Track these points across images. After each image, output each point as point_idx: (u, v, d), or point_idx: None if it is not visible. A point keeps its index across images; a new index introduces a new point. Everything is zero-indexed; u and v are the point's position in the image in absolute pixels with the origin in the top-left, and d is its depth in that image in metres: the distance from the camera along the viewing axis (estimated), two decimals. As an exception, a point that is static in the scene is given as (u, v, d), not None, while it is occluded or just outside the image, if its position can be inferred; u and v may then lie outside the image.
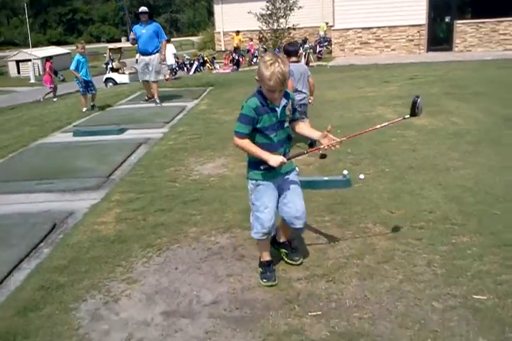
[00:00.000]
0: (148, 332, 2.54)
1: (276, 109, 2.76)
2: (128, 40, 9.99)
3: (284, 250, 3.14)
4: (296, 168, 3.07)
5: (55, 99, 15.45)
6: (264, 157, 2.73)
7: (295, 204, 2.90)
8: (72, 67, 9.51)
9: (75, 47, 10.07)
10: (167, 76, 17.58)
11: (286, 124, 2.85)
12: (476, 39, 18.84)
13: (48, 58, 16.98)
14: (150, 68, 9.51)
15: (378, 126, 3.01)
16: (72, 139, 7.21)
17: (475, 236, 3.33)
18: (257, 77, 2.70)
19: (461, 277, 2.84)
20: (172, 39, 21.14)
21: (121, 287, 2.98)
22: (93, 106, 9.72)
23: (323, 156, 5.43)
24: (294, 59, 6.15)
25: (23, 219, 4.09)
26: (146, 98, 10.06)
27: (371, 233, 3.50)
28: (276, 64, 2.58)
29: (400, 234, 3.44)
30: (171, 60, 17.72)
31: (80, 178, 5.14)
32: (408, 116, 2.89)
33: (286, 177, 2.91)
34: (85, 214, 4.19)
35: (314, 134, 2.92)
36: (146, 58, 9.50)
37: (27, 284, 3.05)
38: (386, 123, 3.00)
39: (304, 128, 2.99)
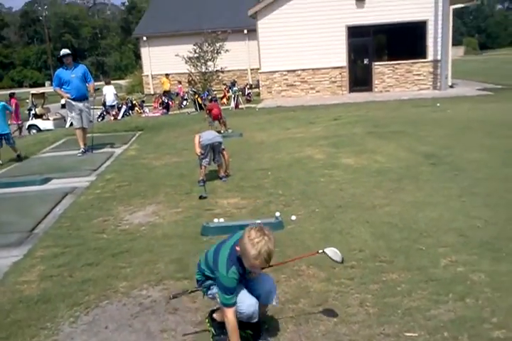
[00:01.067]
0: None
1: (246, 276, 2.67)
2: (54, 85, 9.17)
3: (249, 331, 2.77)
4: None
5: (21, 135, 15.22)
6: None
7: (266, 280, 2.77)
8: None
9: None
10: (111, 117, 18.12)
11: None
12: (394, 80, 20.12)
13: (11, 94, 16.82)
14: (84, 114, 9.19)
15: (296, 258, 3.34)
16: (-8, 192, 6.82)
17: (403, 273, 3.45)
18: (238, 248, 2.52)
19: (392, 315, 2.91)
20: (99, 83, 21.13)
21: (46, 352, 2.78)
22: (19, 157, 9.02)
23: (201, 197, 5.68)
24: None
25: None
26: (83, 150, 9.26)
27: (305, 275, 3.53)
28: (263, 242, 2.42)
29: (333, 275, 3.49)
30: (112, 101, 18.65)
31: (0, 234, 4.83)
32: (321, 251, 2.94)
33: None
34: (6, 273, 3.93)
35: None
36: (80, 104, 9.11)
37: None
38: (303, 256, 3.30)
39: None
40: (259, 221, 4.58)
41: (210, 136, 6.40)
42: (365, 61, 20.47)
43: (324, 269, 3.60)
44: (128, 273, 3.75)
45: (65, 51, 9.12)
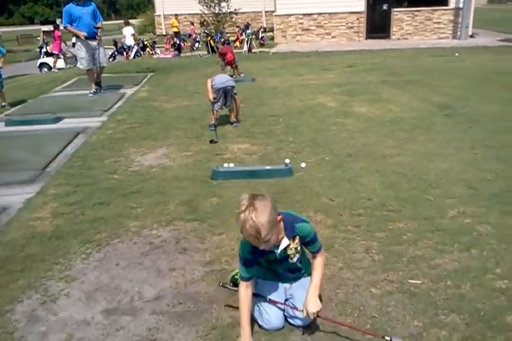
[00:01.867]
0: (89, 331, 2.48)
1: (275, 250, 2.32)
2: (65, 23, 8.71)
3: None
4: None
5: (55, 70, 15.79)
6: (241, 332, 2.30)
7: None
8: None
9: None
10: (125, 56, 18.63)
11: (294, 260, 2.42)
12: (412, 27, 19.39)
13: (56, 26, 17.31)
14: (98, 53, 8.86)
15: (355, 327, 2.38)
16: (4, 129, 6.85)
17: (410, 222, 3.47)
18: None
19: (397, 262, 2.96)
20: (110, 22, 20.85)
21: (60, 285, 2.89)
22: (4, 106, 8.38)
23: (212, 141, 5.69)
24: None
25: (-49, 216, 3.87)
26: (95, 90, 9.15)
27: (312, 221, 3.53)
28: (247, 212, 2.05)
29: (340, 222, 3.53)
30: (130, 41, 19.01)
31: (13, 171, 4.91)
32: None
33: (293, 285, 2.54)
34: (19, 209, 4.02)
35: (311, 289, 2.38)
36: (93, 43, 8.77)
37: (-44, 287, 2.90)
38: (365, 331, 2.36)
39: (314, 269, 2.44)
40: (268, 167, 4.61)
41: (222, 79, 6.28)
42: (384, 6, 19.63)
43: (331, 216, 3.64)
44: (139, 213, 3.82)
45: None
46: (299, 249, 2.41)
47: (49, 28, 21.09)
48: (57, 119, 7.10)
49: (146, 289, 2.82)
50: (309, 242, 2.39)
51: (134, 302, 2.70)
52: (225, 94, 6.23)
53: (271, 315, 2.42)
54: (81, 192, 4.28)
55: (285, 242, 2.31)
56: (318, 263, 2.44)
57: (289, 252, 2.38)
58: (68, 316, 2.60)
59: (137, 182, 4.48)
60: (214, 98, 6.19)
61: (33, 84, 11.21)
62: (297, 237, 2.36)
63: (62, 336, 2.45)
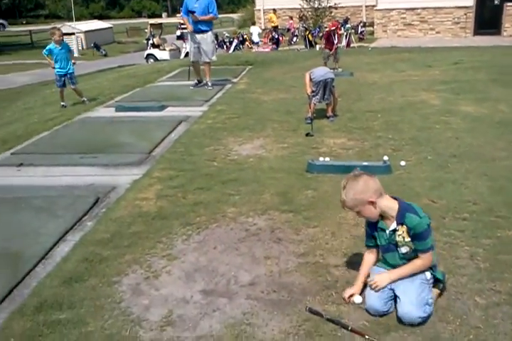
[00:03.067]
0: (187, 309, 2.58)
1: (386, 230, 2.50)
2: (182, 14, 8.70)
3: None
4: (426, 274, 2.51)
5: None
6: (358, 280, 2.60)
7: (402, 301, 2.41)
8: (43, 52, 8.14)
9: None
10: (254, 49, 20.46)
11: (402, 251, 2.48)
12: (527, 23, 18.05)
13: None
14: (203, 48, 8.71)
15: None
16: (115, 114, 7.30)
17: (521, 231, 3.24)
18: None
19: (506, 272, 2.77)
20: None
21: (162, 263, 3.03)
22: (84, 101, 8.31)
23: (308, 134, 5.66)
24: None
25: (68, 191, 4.21)
26: (197, 81, 9.23)
27: (412, 222, 3.44)
28: (342, 189, 2.45)
29: (442, 225, 3.37)
30: (256, 38, 21.48)
31: (123, 153, 5.22)
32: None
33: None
34: (127, 189, 4.26)
35: (393, 270, 2.52)
36: (198, 36, 8.65)
37: (72, 256, 3.15)
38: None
39: (409, 263, 2.49)
40: (366, 163, 4.49)
41: (322, 72, 6.22)
42: (496, 1, 18.41)
43: (433, 218, 3.39)
44: (236, 200, 3.91)
45: None
46: (406, 239, 2.45)
47: (155, 21, 22.16)
48: (162, 107, 7.44)
49: (242, 274, 2.89)
50: (415, 237, 2.41)
51: (230, 286, 2.78)
52: (324, 87, 6.16)
53: (372, 300, 2.46)
54: (183, 177, 4.46)
55: (393, 226, 2.46)
56: (415, 261, 2.48)
57: (397, 239, 2.46)
58: (169, 293, 2.73)
59: (235, 171, 4.59)
60: (313, 91, 6.15)
61: (141, 74, 11.82)
62: (404, 226, 2.43)
63: (163, 311, 2.57)
